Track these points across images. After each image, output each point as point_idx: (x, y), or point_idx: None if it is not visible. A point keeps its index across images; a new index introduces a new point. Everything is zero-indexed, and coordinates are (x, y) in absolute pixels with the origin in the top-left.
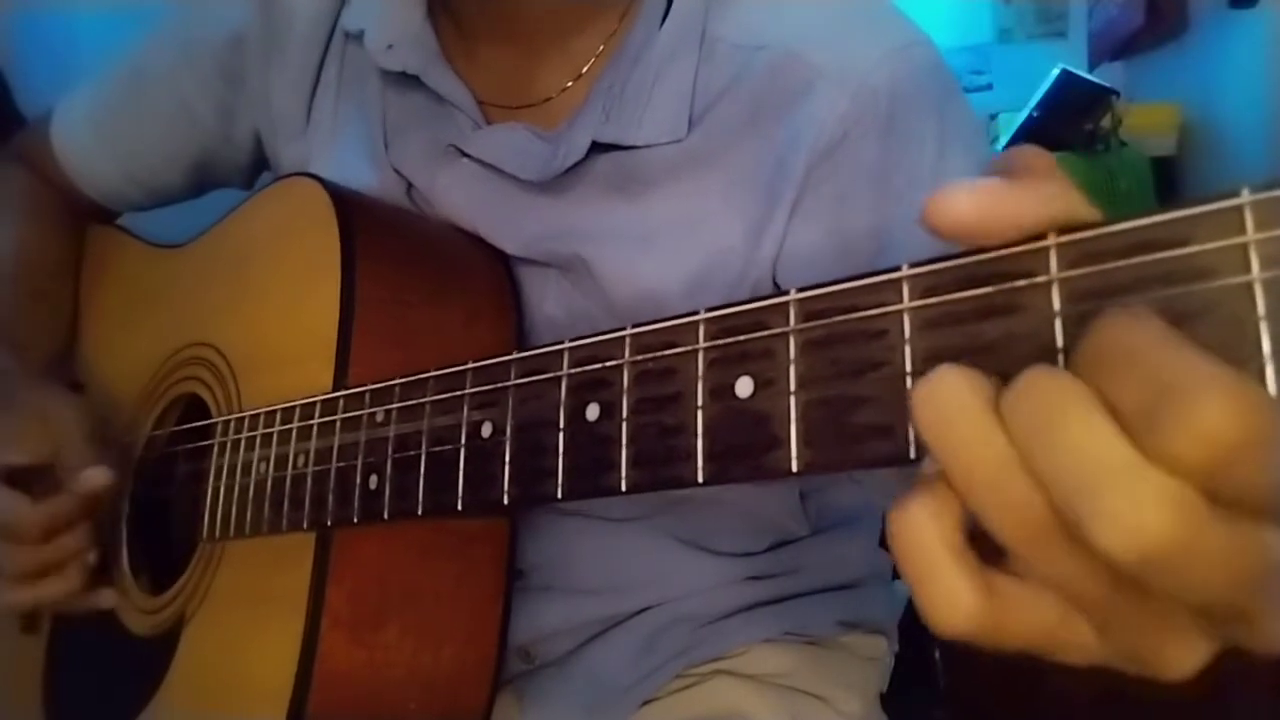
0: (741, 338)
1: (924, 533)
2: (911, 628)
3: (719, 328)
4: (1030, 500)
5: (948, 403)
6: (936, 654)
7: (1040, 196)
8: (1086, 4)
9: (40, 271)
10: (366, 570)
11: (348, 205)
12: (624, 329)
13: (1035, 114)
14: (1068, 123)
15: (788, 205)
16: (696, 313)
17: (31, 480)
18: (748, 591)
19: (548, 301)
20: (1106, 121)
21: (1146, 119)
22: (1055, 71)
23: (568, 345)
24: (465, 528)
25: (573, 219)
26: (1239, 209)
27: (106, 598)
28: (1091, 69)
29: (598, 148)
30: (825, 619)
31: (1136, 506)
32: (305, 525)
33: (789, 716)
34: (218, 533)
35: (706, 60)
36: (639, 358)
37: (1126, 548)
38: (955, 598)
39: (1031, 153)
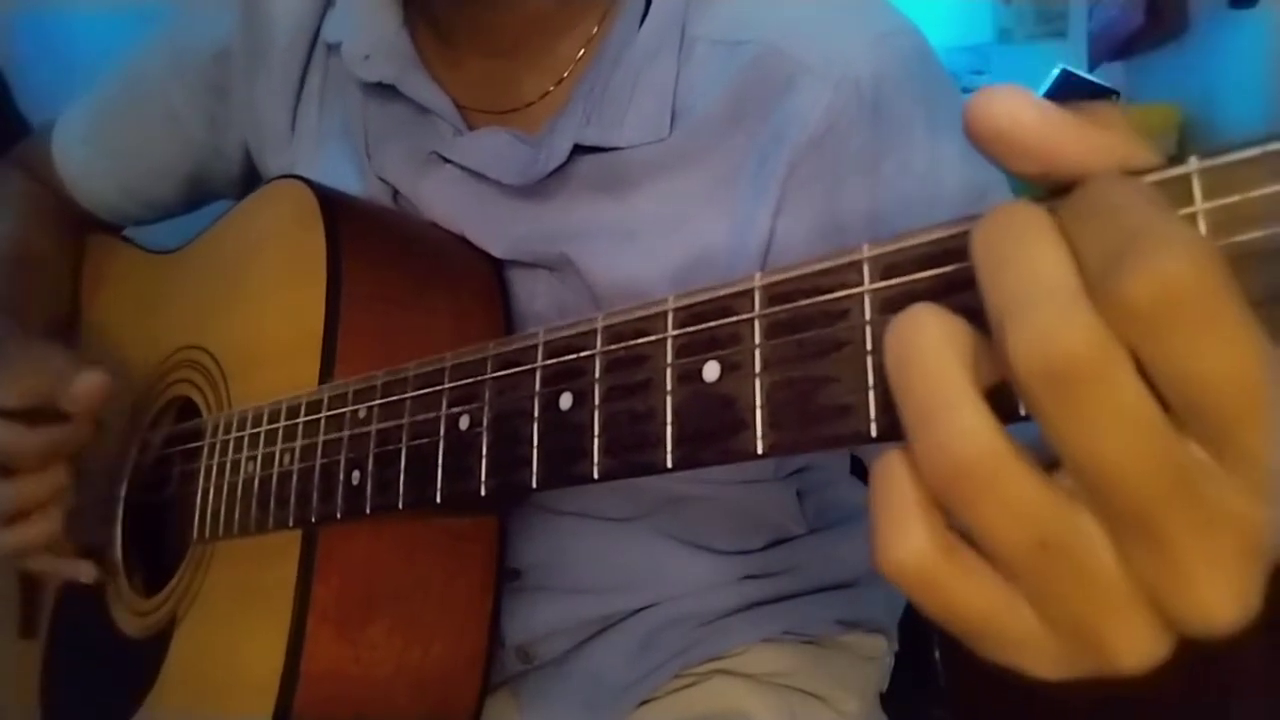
0: (710, 324)
1: (895, 471)
2: (912, 628)
3: (687, 314)
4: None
5: (920, 335)
6: (936, 654)
7: (1101, 143)
8: (1086, 4)
9: (36, 259)
10: (353, 568)
11: (334, 205)
12: (596, 319)
13: None
14: None
15: (773, 201)
16: (666, 300)
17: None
18: (746, 590)
19: (538, 299)
20: None
21: (1146, 119)
22: (1055, 71)
23: (542, 337)
24: (454, 525)
25: (557, 221)
26: (1187, 177)
27: (85, 570)
28: (1091, 69)
29: (580, 150)
30: (824, 618)
31: (1060, 320)
32: (291, 523)
33: (788, 716)
34: (208, 533)
35: (687, 59)
36: (610, 347)
37: (1036, 355)
38: (908, 531)
39: (1099, 105)
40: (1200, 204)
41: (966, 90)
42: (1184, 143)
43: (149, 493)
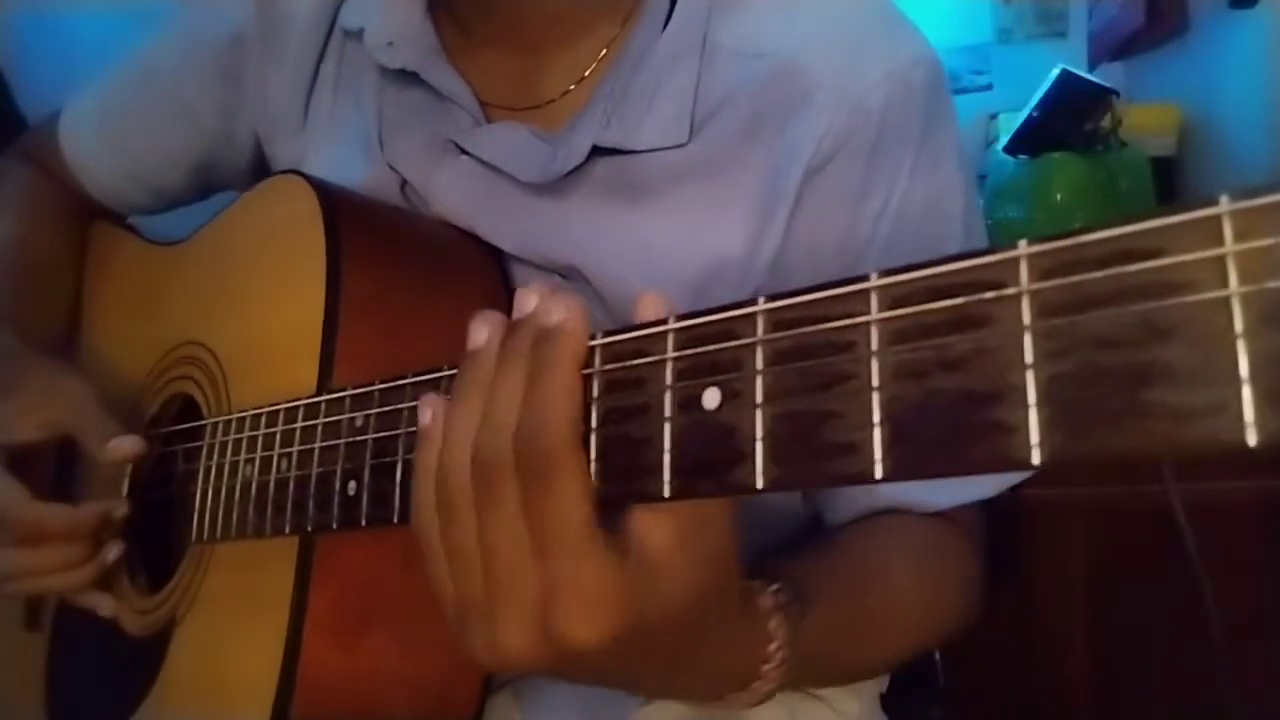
0: (710, 348)
1: None
2: None
3: (688, 336)
4: None
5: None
6: (936, 654)
7: None
8: (1086, 4)
9: (38, 262)
10: (351, 575)
11: (334, 202)
12: (595, 335)
13: (1035, 114)
14: (1068, 123)
15: (785, 214)
16: (666, 321)
17: (33, 464)
18: None
19: None
20: (1106, 121)
21: (1146, 119)
22: (1055, 71)
23: None
24: None
25: (570, 223)
26: (1217, 218)
27: (105, 604)
28: (1091, 69)
29: (598, 151)
30: None
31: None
32: (288, 530)
33: (788, 716)
34: (205, 535)
35: (708, 67)
36: (608, 366)
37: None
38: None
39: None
40: (1230, 246)
41: (967, 90)
42: (1184, 142)
43: (150, 490)
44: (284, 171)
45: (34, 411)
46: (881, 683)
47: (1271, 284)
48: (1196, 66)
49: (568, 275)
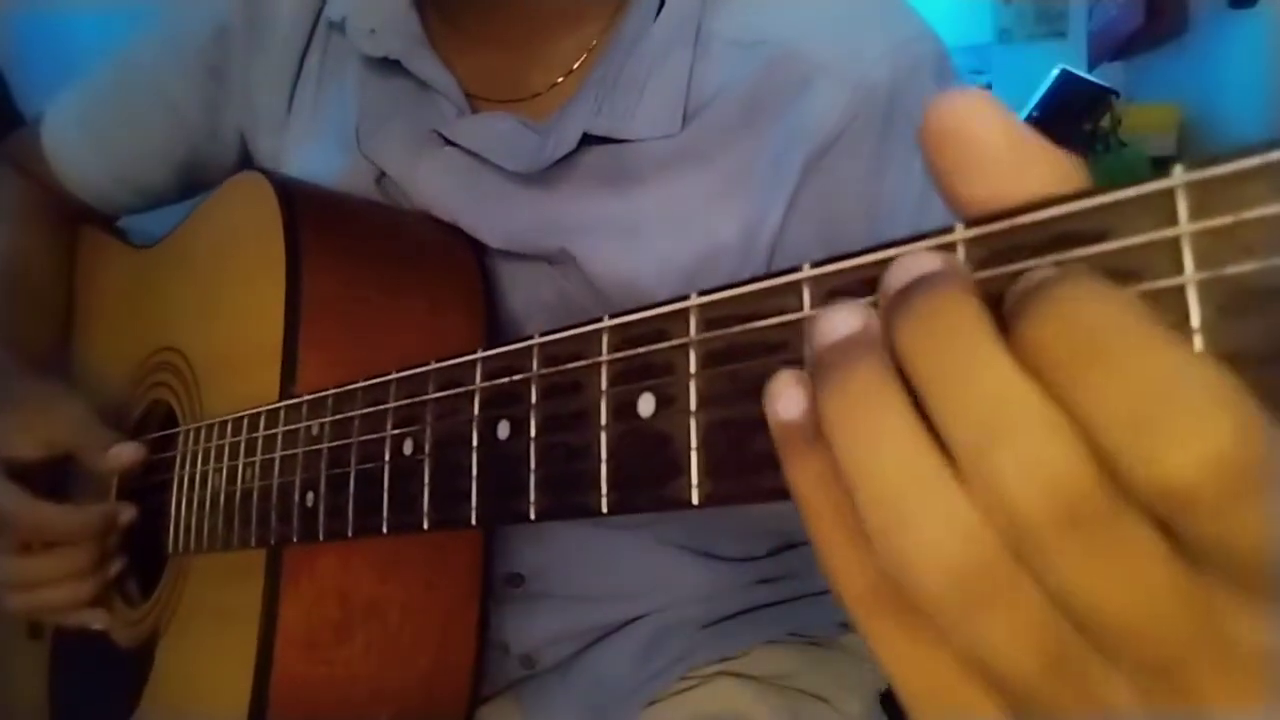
0: (642, 349)
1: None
2: None
3: (622, 337)
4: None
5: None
6: None
7: (1068, 170)
8: (1086, 4)
9: (30, 274)
10: (324, 584)
11: (294, 201)
12: (533, 337)
13: (1035, 114)
14: (1068, 123)
15: (784, 201)
16: (600, 320)
17: (34, 480)
18: (750, 596)
19: (542, 288)
20: (1106, 121)
21: (1146, 119)
22: (1055, 71)
23: (481, 356)
24: (433, 533)
25: (559, 212)
26: (1170, 193)
27: (99, 618)
28: (1091, 69)
29: (588, 140)
30: (827, 620)
31: (1060, 457)
32: (254, 543)
33: (790, 717)
34: (180, 547)
35: (702, 56)
36: (546, 370)
37: (1044, 493)
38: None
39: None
40: (1185, 225)
41: None
42: (1184, 142)
43: (136, 500)
44: (248, 169)
45: (31, 430)
46: (881, 682)
47: (1232, 269)
48: (1196, 66)
49: (556, 261)
